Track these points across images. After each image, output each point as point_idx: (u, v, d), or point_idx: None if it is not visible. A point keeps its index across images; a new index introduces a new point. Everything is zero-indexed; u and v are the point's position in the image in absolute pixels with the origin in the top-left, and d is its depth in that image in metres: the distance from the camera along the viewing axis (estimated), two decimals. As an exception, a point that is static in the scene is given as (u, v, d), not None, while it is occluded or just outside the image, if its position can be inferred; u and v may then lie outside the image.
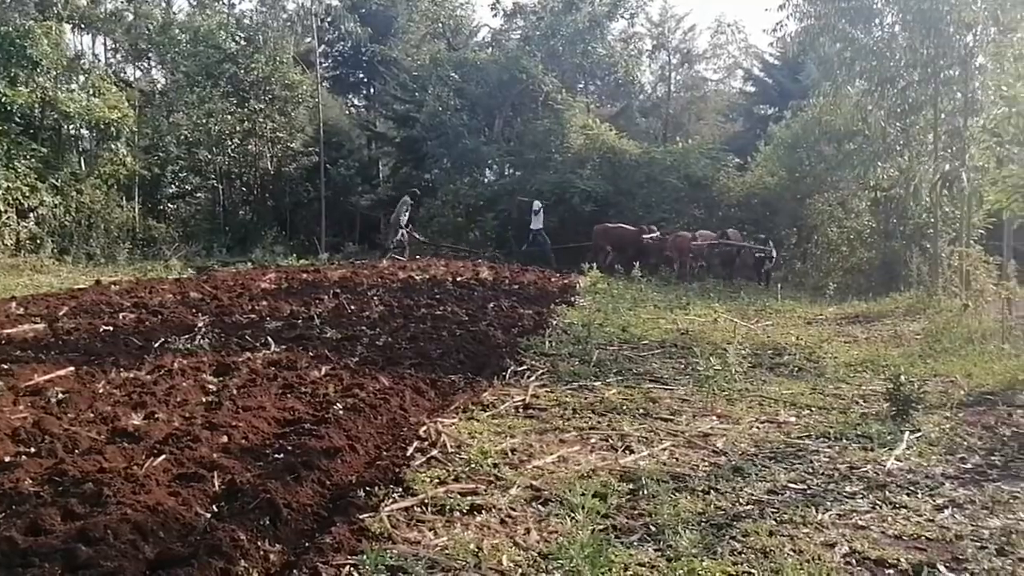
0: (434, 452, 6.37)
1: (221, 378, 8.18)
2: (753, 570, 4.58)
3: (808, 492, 5.98)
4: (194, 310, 12.47)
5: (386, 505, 5.24)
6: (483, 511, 5.32)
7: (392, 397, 7.70)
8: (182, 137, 32.51)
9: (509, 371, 9.60)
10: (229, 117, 32.04)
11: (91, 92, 26.83)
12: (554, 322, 13.45)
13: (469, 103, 34.93)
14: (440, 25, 39.93)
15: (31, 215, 24.85)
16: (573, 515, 5.24)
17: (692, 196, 29.37)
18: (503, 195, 31.78)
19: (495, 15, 37.06)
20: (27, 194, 24.44)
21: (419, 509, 5.30)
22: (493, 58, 35.63)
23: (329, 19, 42.62)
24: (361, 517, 5.01)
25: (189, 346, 9.63)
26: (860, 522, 5.42)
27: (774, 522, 5.35)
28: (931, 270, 18.04)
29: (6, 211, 23.86)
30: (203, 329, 10.39)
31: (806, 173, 26.77)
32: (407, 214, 26.60)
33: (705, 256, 24.58)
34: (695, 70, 54.14)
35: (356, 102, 48.14)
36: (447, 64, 35.15)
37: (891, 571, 4.74)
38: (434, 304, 14.04)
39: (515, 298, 15.91)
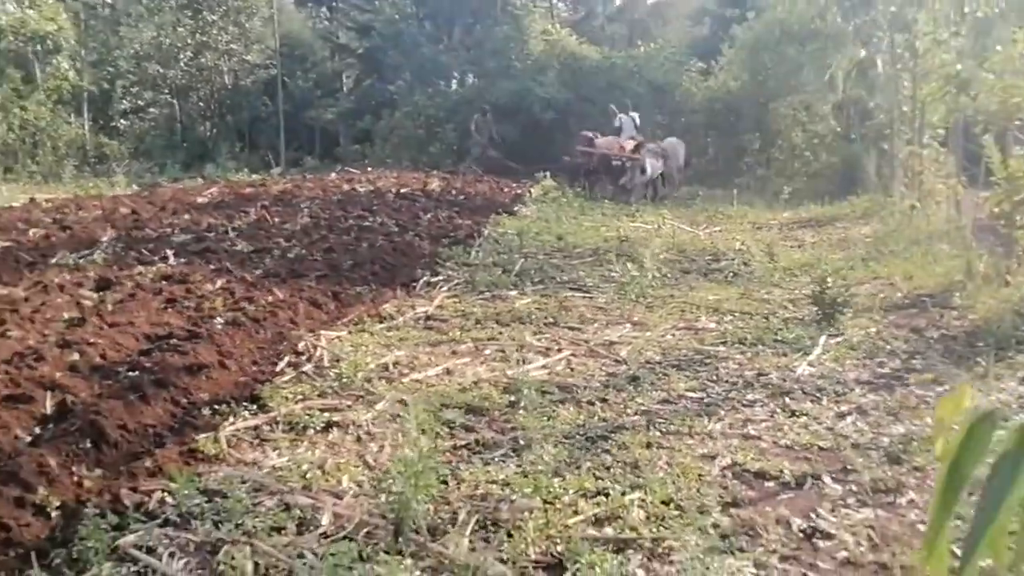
0: (307, 367, 5.94)
1: (101, 293, 7.65)
2: (616, 484, 4.21)
3: (704, 401, 5.64)
4: (109, 225, 11.89)
5: (230, 424, 4.82)
6: (340, 428, 4.93)
7: (283, 310, 7.25)
8: (132, 51, 31.31)
9: (422, 281, 9.16)
10: (181, 29, 30.83)
11: (25, 4, 25.68)
12: (487, 231, 12.91)
13: (429, 11, 33.82)
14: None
15: (-30, 134, 23.96)
16: (437, 431, 4.85)
17: (654, 102, 28.58)
18: (463, 104, 30.88)
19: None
20: (-36, 113, 23.54)
21: (268, 427, 4.90)
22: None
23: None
24: (197, 438, 4.60)
25: (81, 261, 9.09)
26: (752, 432, 5.09)
27: (658, 433, 5.00)
28: (889, 172, 17.55)
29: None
30: (105, 244, 9.87)
31: (769, 76, 25.99)
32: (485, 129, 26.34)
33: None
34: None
35: (322, 13, 46.55)
36: (404, -31, 33.94)
37: (771, 483, 4.40)
38: (366, 215, 13.44)
39: (457, 208, 15.33)
